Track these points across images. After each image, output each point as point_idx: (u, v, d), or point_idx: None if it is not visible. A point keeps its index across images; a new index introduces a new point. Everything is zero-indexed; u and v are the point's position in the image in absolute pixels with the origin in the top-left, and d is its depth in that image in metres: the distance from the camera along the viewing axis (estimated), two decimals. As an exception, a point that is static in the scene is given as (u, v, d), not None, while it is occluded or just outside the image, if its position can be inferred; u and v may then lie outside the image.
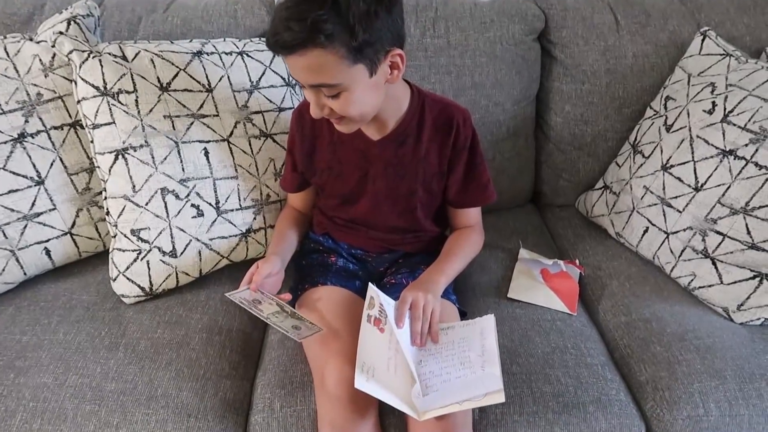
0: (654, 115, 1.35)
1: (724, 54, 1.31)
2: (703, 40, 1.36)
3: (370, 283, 1.00)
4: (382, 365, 0.92)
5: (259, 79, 1.26)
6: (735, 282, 1.15)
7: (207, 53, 1.23)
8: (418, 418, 0.88)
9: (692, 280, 1.20)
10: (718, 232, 1.16)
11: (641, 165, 1.31)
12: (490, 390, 0.89)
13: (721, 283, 1.16)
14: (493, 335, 0.98)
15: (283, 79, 1.30)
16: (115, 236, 1.16)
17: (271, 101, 1.26)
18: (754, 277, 1.14)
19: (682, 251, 1.21)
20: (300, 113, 1.12)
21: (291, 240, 1.15)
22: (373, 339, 0.94)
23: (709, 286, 1.18)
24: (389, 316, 0.96)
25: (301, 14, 0.82)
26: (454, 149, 1.08)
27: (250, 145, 1.22)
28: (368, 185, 1.11)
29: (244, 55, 1.27)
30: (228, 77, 1.23)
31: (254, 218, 1.23)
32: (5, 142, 1.12)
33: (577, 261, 1.33)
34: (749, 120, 1.15)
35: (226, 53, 1.26)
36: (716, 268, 1.17)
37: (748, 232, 1.12)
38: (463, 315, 1.14)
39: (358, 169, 1.10)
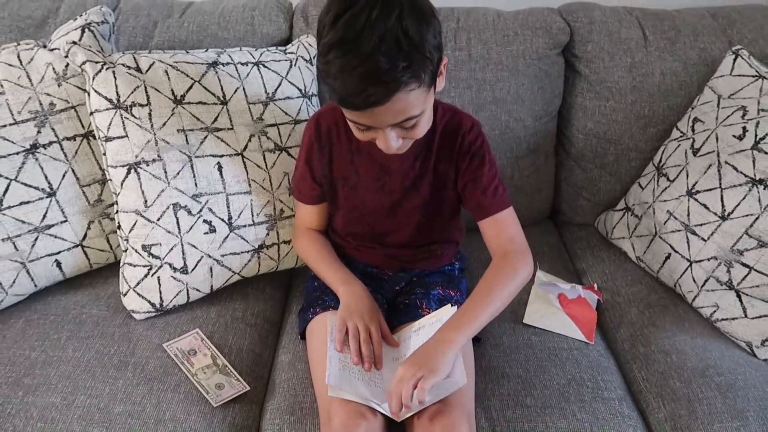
0: (681, 136, 1.31)
1: (756, 76, 1.26)
2: (734, 60, 1.31)
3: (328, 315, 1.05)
4: (356, 379, 0.95)
5: (275, 90, 1.24)
6: (760, 316, 1.11)
7: (222, 64, 1.20)
8: (396, 420, 0.90)
9: (715, 311, 1.17)
10: (744, 264, 1.12)
11: (665, 188, 1.27)
12: (455, 381, 0.91)
13: (746, 316, 1.13)
14: None
15: (300, 90, 1.27)
16: (126, 251, 1.15)
17: (286, 113, 1.24)
18: (780, 313, 1.10)
19: (706, 281, 1.17)
20: (317, 122, 1.09)
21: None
22: (342, 362, 0.96)
23: (733, 318, 1.14)
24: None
25: (389, 63, 0.79)
26: (459, 154, 1.05)
27: (264, 159, 1.20)
28: (384, 197, 1.09)
29: (260, 66, 1.24)
30: (243, 89, 1.20)
31: (267, 234, 1.21)
32: (17, 153, 1.10)
33: (595, 286, 1.29)
34: (782, 149, 1.11)
35: (242, 64, 1.23)
36: (741, 300, 1.13)
37: (776, 266, 1.09)
38: (477, 341, 1.11)
39: (375, 181, 1.08)
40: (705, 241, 1.17)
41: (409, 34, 0.80)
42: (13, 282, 1.12)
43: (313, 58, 1.34)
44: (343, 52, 0.80)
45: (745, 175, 1.14)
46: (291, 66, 1.28)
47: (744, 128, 1.18)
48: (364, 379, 0.95)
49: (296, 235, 1.20)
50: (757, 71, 1.27)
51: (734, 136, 1.19)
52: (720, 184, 1.17)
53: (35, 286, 1.16)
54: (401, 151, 0.96)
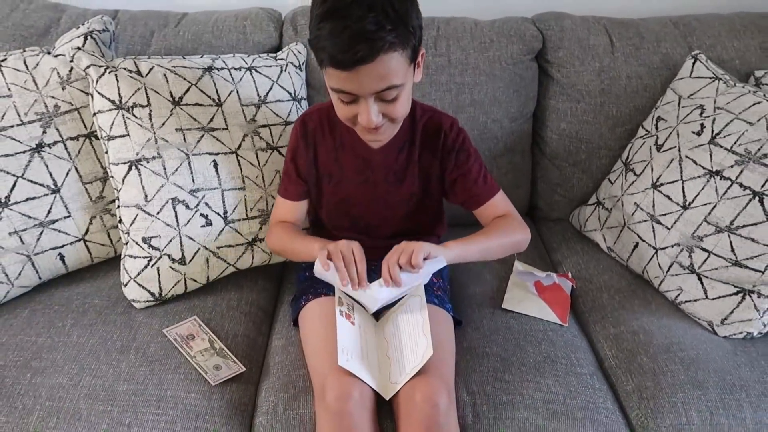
0: (646, 134, 1.41)
1: (713, 77, 1.36)
2: (693, 63, 1.41)
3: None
4: (357, 351, 1.02)
5: (267, 93, 1.32)
6: (719, 297, 1.20)
7: (217, 69, 1.28)
8: (385, 397, 1.00)
9: (679, 294, 1.26)
10: (704, 249, 1.21)
11: (632, 182, 1.37)
12: (425, 353, 0.98)
13: (707, 297, 1.22)
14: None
15: (290, 94, 1.35)
16: (126, 243, 1.21)
17: (277, 115, 1.32)
18: (737, 293, 1.19)
19: (670, 266, 1.26)
20: (303, 122, 1.17)
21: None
22: (347, 330, 1.03)
23: (695, 300, 1.23)
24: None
25: (376, 25, 0.87)
26: (443, 151, 1.14)
27: (257, 157, 1.28)
28: (369, 191, 1.16)
29: (253, 71, 1.32)
30: (237, 92, 1.28)
31: (260, 228, 1.28)
32: (24, 152, 1.17)
33: (569, 274, 1.38)
34: (735, 142, 1.21)
35: (236, 69, 1.31)
36: (702, 283, 1.22)
37: (732, 250, 1.18)
38: (458, 324, 1.19)
39: (359, 174, 1.15)
40: (669, 229, 1.26)
41: (394, 6, 0.89)
42: (19, 274, 1.18)
43: (302, 64, 1.42)
44: (334, 18, 0.89)
45: (704, 168, 1.24)
46: (281, 71, 1.36)
47: (702, 125, 1.28)
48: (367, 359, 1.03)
49: (269, 229, 1.25)
50: (713, 73, 1.37)
51: (693, 133, 1.29)
52: (681, 176, 1.27)
53: (39, 278, 1.22)
54: (382, 138, 1.04)
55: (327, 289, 1.15)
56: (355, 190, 1.16)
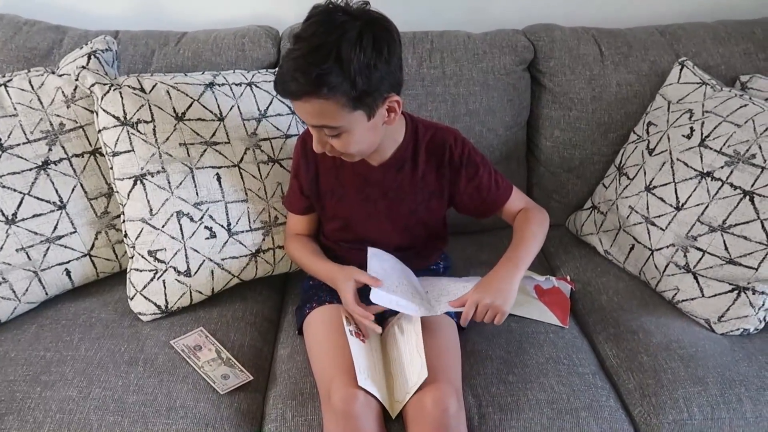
0: (637, 139, 1.44)
1: (700, 83, 1.41)
2: (681, 70, 1.46)
3: (341, 306, 1.12)
4: (372, 368, 1.04)
5: (267, 108, 1.34)
6: (715, 295, 1.23)
7: (218, 84, 1.31)
8: (392, 415, 1.01)
9: (676, 293, 1.28)
10: (698, 249, 1.24)
11: (626, 186, 1.40)
12: (420, 374, 0.99)
13: (703, 296, 1.24)
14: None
15: (289, 108, 1.38)
16: (132, 257, 1.23)
17: (278, 129, 1.34)
18: (732, 290, 1.22)
19: (666, 267, 1.29)
20: (303, 141, 1.20)
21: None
22: (359, 349, 1.04)
23: (692, 299, 1.26)
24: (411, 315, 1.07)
25: (308, 67, 0.90)
26: (451, 168, 1.15)
27: (259, 170, 1.30)
28: (369, 207, 1.18)
29: (253, 86, 1.35)
30: (238, 107, 1.31)
31: (263, 239, 1.30)
32: (30, 170, 1.19)
33: (568, 277, 1.40)
34: (724, 144, 1.24)
35: (236, 84, 1.34)
36: (698, 282, 1.25)
37: (726, 248, 1.20)
38: (461, 329, 1.21)
39: (359, 192, 1.17)
40: (663, 230, 1.29)
41: (340, 55, 0.90)
42: (26, 290, 1.19)
43: (301, 79, 1.45)
44: (292, 43, 0.95)
45: (695, 170, 1.27)
46: (281, 87, 1.39)
47: (691, 128, 1.32)
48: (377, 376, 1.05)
49: (286, 240, 1.30)
50: (701, 79, 1.42)
51: (683, 136, 1.32)
52: (673, 178, 1.30)
53: (46, 294, 1.23)
54: (349, 159, 1.08)
55: (331, 296, 1.17)
56: (357, 207, 1.18)
